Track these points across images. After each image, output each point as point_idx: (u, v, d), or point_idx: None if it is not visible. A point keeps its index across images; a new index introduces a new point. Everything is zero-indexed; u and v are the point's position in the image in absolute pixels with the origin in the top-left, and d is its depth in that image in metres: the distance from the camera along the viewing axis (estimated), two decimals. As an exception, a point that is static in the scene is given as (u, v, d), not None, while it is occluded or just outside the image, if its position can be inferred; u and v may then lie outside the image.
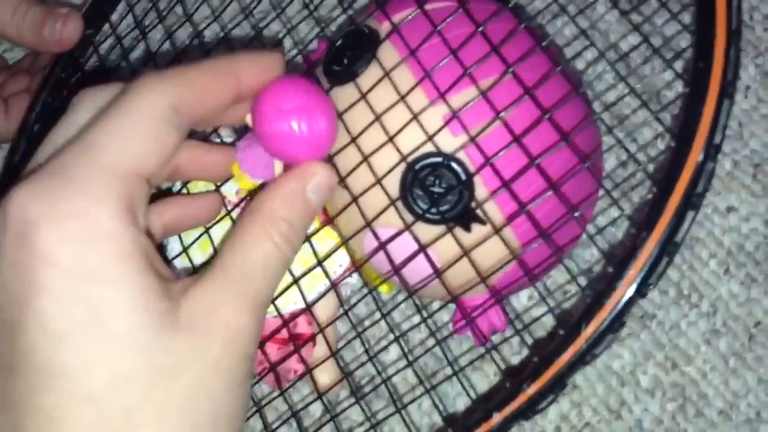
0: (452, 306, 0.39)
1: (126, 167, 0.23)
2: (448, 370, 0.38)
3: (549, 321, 0.40)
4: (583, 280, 0.40)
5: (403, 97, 0.31)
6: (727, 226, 0.41)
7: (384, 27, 0.33)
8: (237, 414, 0.24)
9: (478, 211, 0.31)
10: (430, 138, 0.30)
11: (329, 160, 0.32)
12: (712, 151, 0.25)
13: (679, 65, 0.28)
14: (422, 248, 0.30)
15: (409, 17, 0.31)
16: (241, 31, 0.45)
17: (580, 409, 0.39)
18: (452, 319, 0.36)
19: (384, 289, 0.38)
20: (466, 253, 0.30)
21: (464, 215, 0.31)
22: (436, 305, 0.40)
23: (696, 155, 0.25)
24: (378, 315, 0.39)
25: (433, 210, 0.31)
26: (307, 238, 0.33)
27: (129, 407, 0.22)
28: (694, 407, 0.39)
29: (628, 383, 0.39)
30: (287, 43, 0.45)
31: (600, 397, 0.39)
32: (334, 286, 0.32)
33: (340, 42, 0.33)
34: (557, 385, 0.26)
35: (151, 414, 0.22)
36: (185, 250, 0.35)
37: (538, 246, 0.28)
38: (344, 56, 0.33)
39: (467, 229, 0.31)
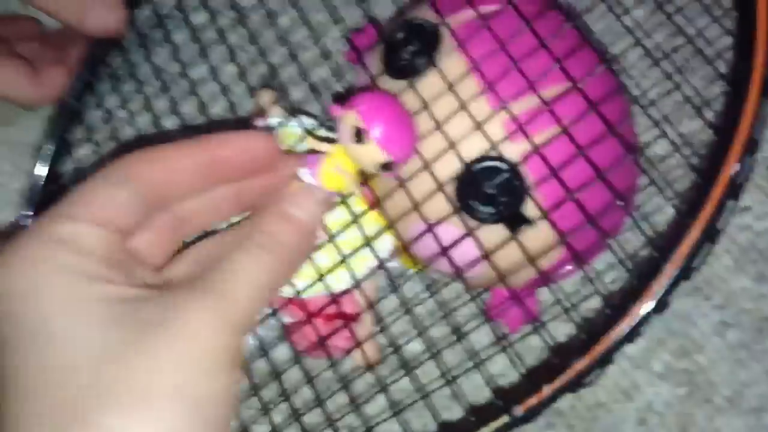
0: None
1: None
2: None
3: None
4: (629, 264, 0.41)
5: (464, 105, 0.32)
6: (741, 224, 0.43)
7: (442, 21, 0.34)
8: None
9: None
10: (494, 145, 0.32)
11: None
12: (753, 146, 0.27)
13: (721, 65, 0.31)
14: (472, 237, 0.32)
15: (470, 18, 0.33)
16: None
17: (595, 390, 0.41)
18: (487, 307, 0.38)
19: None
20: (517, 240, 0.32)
21: (514, 217, 0.32)
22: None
23: (737, 151, 0.27)
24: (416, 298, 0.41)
25: (486, 210, 0.32)
26: (356, 219, 0.34)
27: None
28: (703, 394, 0.41)
29: (641, 367, 0.42)
30: (319, 16, 0.46)
31: (613, 379, 0.41)
32: (382, 264, 0.34)
33: (401, 35, 0.35)
34: (604, 361, 0.28)
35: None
36: None
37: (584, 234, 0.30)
38: (403, 49, 0.34)
39: (513, 231, 0.33)
